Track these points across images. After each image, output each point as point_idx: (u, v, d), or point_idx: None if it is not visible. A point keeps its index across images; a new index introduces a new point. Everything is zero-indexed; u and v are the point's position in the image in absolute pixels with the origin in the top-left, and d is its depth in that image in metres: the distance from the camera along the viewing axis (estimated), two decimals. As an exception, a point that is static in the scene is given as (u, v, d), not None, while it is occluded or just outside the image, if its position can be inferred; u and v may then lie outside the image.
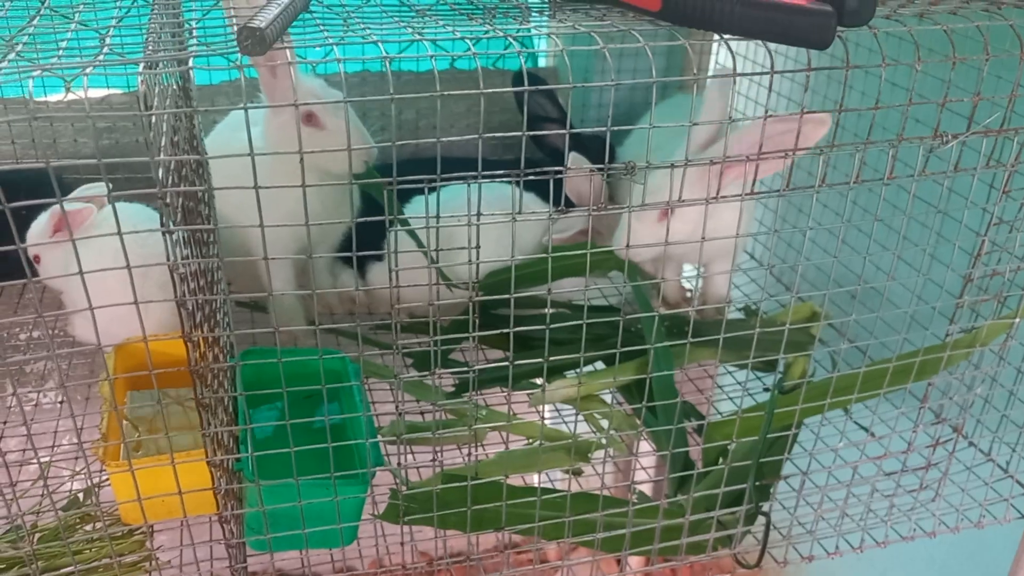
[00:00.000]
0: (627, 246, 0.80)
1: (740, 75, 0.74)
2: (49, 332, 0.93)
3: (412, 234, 1.04)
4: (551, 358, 0.83)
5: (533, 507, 0.84)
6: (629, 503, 0.86)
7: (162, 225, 0.69)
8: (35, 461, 0.89)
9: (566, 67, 1.53)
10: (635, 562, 1.02)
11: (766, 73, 0.70)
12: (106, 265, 0.70)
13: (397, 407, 1.08)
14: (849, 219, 0.93)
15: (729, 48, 0.69)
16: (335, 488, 0.80)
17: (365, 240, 0.87)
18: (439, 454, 0.83)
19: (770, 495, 0.95)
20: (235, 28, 0.80)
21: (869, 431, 1.00)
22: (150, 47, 0.72)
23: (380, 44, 0.70)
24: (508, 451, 0.99)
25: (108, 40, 0.72)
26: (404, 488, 0.82)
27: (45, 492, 0.90)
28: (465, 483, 0.80)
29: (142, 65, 0.64)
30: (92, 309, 0.70)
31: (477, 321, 0.80)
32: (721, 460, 0.96)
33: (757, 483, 0.92)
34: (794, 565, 0.96)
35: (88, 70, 0.63)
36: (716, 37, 0.71)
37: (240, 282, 1.22)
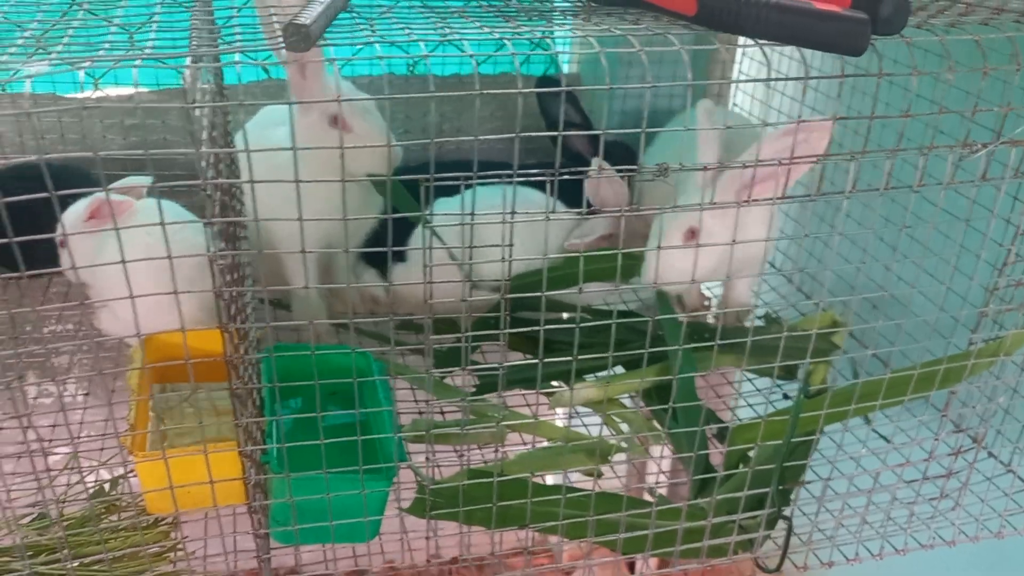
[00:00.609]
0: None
1: (772, 80, 0.75)
2: (73, 326, 0.95)
3: (436, 234, 1.05)
4: (566, 361, 0.83)
5: (556, 505, 0.85)
6: (652, 504, 0.87)
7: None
8: (58, 452, 0.91)
9: (589, 73, 1.55)
10: (647, 566, 1.02)
11: (790, 79, 0.71)
12: (136, 258, 0.71)
13: (421, 404, 1.10)
14: (871, 229, 0.94)
15: (764, 53, 0.70)
16: (362, 482, 0.81)
17: (387, 242, 0.88)
18: (466, 452, 0.83)
19: (790, 500, 0.96)
20: (264, 26, 0.82)
21: (889, 440, 1.00)
22: (194, 42, 0.73)
23: (405, 46, 0.71)
24: (530, 451, 1.00)
25: (135, 38, 0.74)
26: (429, 484, 0.83)
27: (78, 479, 0.92)
28: (491, 479, 0.81)
29: (189, 59, 0.66)
30: (133, 298, 0.71)
31: (507, 319, 0.81)
32: (741, 465, 0.96)
33: (770, 489, 0.92)
34: (814, 571, 0.96)
35: (137, 62, 0.64)
36: (741, 43, 0.72)
37: (263, 281, 1.23)
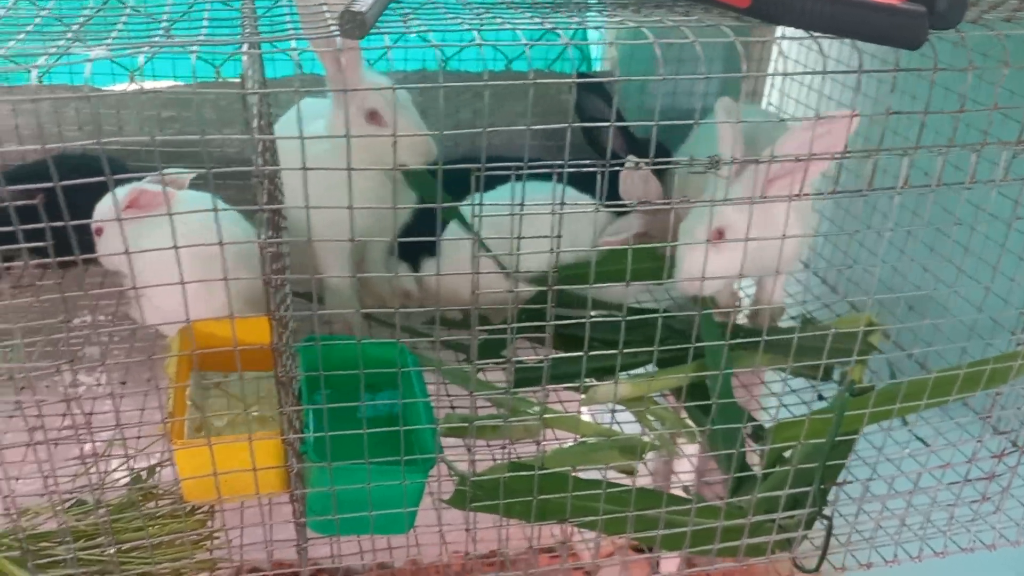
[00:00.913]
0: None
1: (828, 72, 0.74)
2: (104, 316, 0.95)
3: (467, 226, 1.05)
4: (599, 357, 0.83)
5: (595, 500, 0.84)
6: (692, 502, 0.86)
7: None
8: (96, 440, 0.91)
9: (622, 71, 1.55)
10: (667, 566, 1.01)
11: (842, 72, 0.71)
12: (176, 250, 0.72)
13: (452, 399, 1.09)
14: (908, 228, 0.93)
15: (820, 47, 0.70)
16: (403, 473, 0.81)
17: (420, 236, 0.88)
18: (507, 446, 0.83)
19: (827, 501, 0.95)
20: (305, 15, 0.81)
21: (927, 443, 0.99)
22: (246, 30, 0.73)
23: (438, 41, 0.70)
24: (566, 447, 1.00)
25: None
26: (471, 476, 0.82)
27: (116, 465, 0.92)
28: (532, 473, 0.80)
29: (247, 46, 0.66)
30: (181, 284, 0.71)
31: (544, 314, 0.81)
32: (778, 464, 0.96)
33: (812, 488, 0.91)
34: (851, 572, 0.95)
35: (194, 49, 0.65)
36: (779, 34, 0.71)
37: (298, 273, 1.24)
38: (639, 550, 0.98)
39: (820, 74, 0.71)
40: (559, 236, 0.74)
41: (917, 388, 0.87)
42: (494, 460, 0.91)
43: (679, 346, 0.83)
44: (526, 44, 0.69)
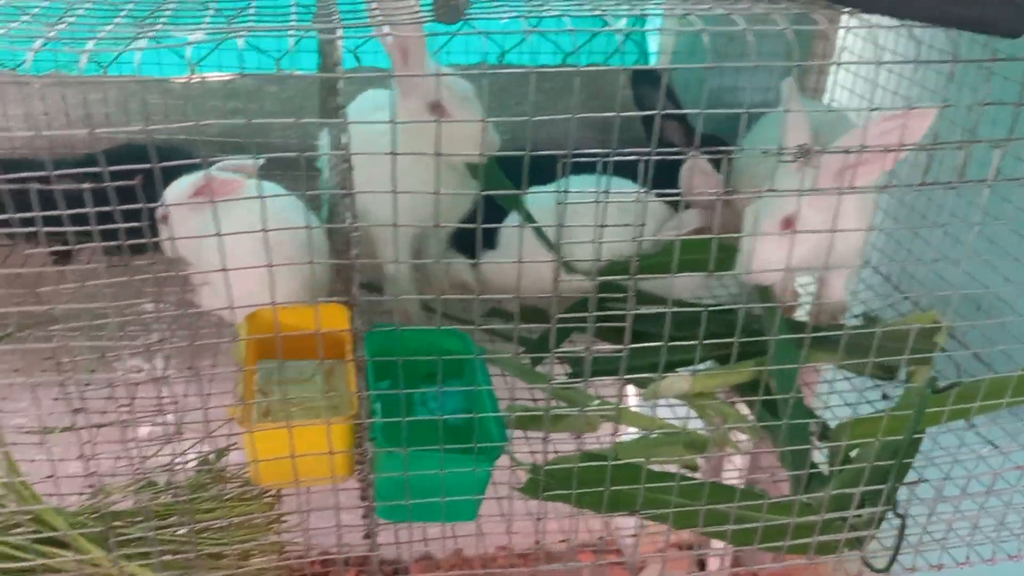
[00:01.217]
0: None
1: (919, 62, 0.73)
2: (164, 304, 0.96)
3: (530, 217, 1.05)
4: (658, 352, 0.83)
5: (666, 493, 0.84)
6: (765, 497, 0.86)
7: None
8: (160, 423, 0.92)
9: (682, 63, 1.54)
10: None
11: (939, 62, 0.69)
12: (244, 237, 0.73)
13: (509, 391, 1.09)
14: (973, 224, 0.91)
15: (913, 35, 0.69)
16: (476, 459, 0.82)
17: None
18: (579, 437, 0.83)
19: (896, 501, 0.93)
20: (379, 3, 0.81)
21: (995, 444, 0.97)
22: (321, 15, 0.74)
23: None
24: (628, 440, 0.99)
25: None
26: (528, 467, 0.82)
27: (189, 446, 0.94)
28: (606, 463, 0.80)
29: (328, 32, 0.66)
30: (272, 266, 0.72)
31: (598, 305, 0.80)
32: (845, 463, 0.94)
33: (886, 486, 0.90)
34: (921, 573, 0.94)
35: (292, 33, 0.65)
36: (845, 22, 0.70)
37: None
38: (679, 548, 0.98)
39: (915, 63, 0.70)
40: (638, 224, 0.74)
41: (998, 387, 0.85)
42: (550, 453, 0.90)
43: (751, 339, 0.83)
44: (569, 30, 0.68)
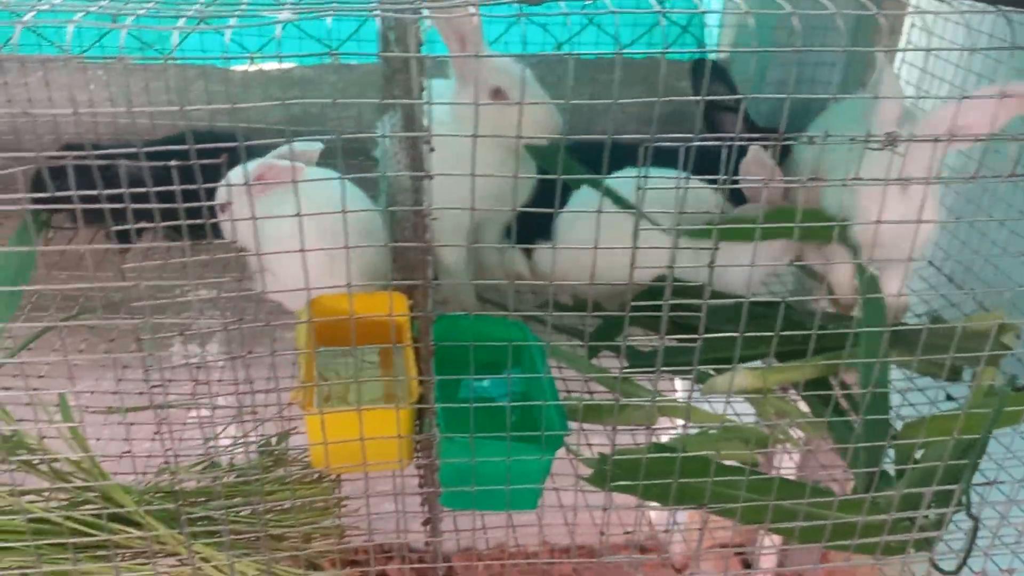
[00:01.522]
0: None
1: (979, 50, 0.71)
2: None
3: (621, 200, 1.04)
4: (716, 347, 0.81)
5: (733, 487, 0.83)
6: (834, 495, 0.84)
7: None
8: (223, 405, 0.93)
9: (739, 58, 1.52)
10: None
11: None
12: (306, 226, 0.73)
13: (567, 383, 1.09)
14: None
15: (1008, 19, 0.67)
16: (543, 447, 0.81)
17: (536, 220, 0.88)
18: (651, 430, 0.82)
19: (968, 502, 0.91)
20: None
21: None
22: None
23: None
24: (689, 434, 0.98)
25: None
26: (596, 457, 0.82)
27: (252, 428, 0.94)
28: (675, 455, 0.79)
29: (412, 12, 0.66)
30: (349, 248, 0.72)
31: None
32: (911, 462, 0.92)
33: (949, 487, 0.88)
34: (992, 577, 0.92)
35: (375, 12, 0.65)
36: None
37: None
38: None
39: (1007, 49, 0.68)
40: (720, 215, 0.73)
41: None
42: (608, 446, 0.89)
43: (839, 330, 0.81)
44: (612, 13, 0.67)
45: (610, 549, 0.90)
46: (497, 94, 1.13)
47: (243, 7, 0.69)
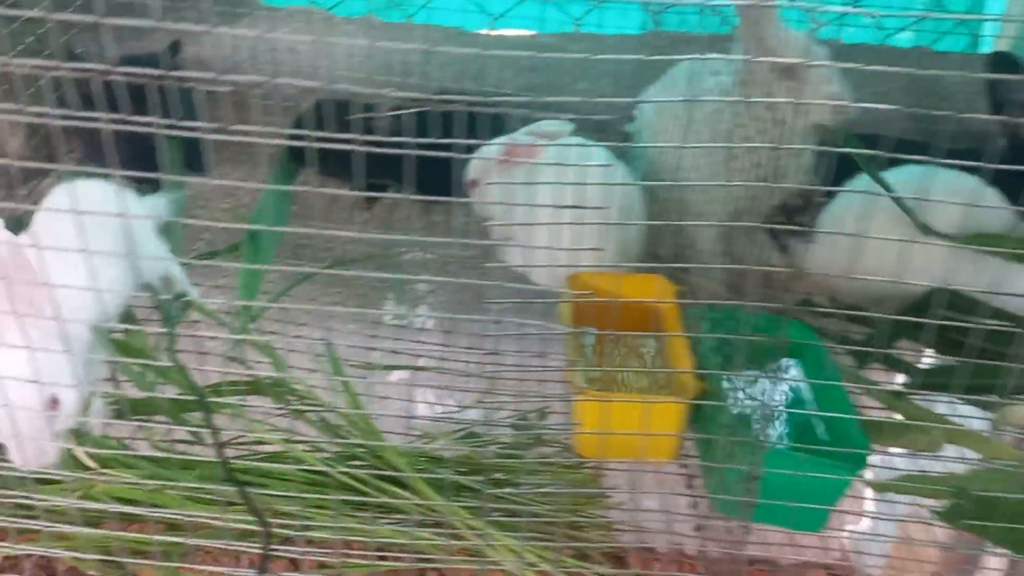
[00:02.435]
0: None
1: None
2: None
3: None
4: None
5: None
6: None
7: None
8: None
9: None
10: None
11: None
12: (543, 201, 0.69)
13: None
14: None
15: None
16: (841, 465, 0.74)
17: (808, 211, 0.80)
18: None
19: None
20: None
21: None
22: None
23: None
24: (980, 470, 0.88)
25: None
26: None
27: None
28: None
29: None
30: (632, 225, 0.66)
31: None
32: None
33: None
34: None
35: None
36: None
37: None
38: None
39: None
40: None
41: None
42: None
43: None
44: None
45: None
46: (789, 72, 1.05)
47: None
